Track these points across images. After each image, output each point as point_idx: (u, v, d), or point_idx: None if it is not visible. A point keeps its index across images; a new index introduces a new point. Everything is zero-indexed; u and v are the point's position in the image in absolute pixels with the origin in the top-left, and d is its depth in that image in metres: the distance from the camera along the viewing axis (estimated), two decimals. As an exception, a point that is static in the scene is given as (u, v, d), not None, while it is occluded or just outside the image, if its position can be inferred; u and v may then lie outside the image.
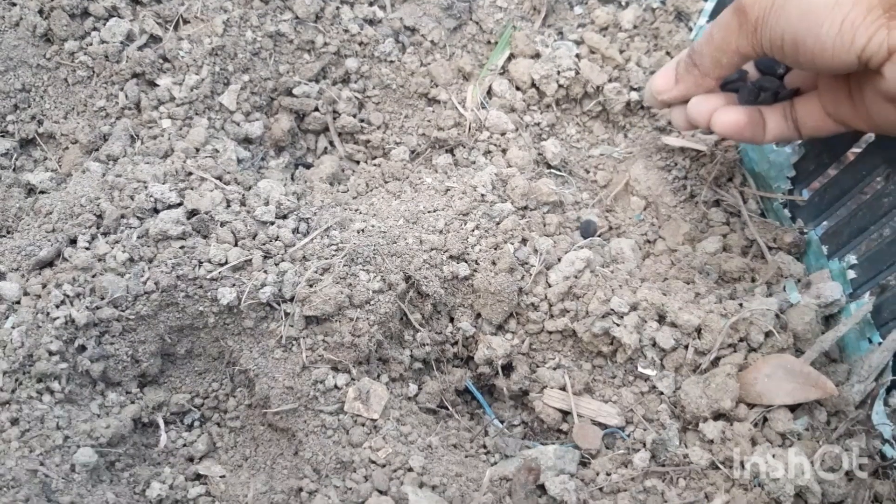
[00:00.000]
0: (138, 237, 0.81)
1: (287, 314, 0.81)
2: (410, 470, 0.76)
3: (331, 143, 1.05)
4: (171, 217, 0.82)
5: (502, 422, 0.90)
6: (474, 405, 0.92)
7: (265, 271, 0.82)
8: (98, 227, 0.83)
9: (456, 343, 0.90)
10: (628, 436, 0.85)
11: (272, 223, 0.85)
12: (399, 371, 0.86)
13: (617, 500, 0.79)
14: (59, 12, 0.96)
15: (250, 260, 0.82)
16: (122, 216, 0.83)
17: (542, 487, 0.80)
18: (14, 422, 0.72)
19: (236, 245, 0.83)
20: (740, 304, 0.87)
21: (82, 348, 0.78)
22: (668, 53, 1.08)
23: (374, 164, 1.04)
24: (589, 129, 1.09)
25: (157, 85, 0.96)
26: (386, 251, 0.85)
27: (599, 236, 0.99)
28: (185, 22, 0.99)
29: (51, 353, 0.75)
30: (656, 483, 0.79)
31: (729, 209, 1.00)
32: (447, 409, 0.89)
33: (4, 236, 0.85)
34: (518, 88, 1.06)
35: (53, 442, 0.72)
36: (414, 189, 0.98)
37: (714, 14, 1.07)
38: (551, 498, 0.78)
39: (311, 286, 0.81)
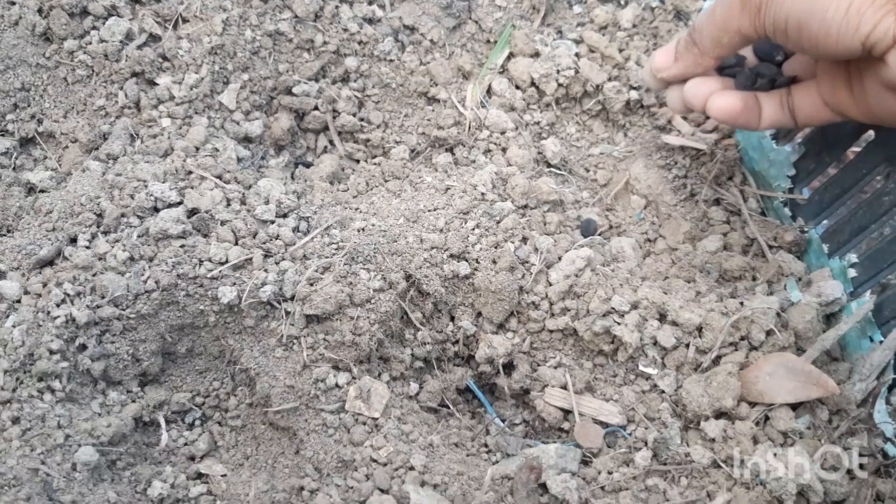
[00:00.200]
0: (139, 236, 0.81)
1: (288, 313, 0.81)
2: (412, 469, 0.76)
3: (331, 142, 1.05)
4: (171, 216, 0.82)
5: (503, 420, 0.90)
6: (475, 404, 0.92)
7: (266, 270, 0.82)
8: (98, 226, 0.83)
9: (457, 342, 0.90)
10: (630, 434, 0.85)
11: (272, 222, 0.85)
12: (400, 370, 0.86)
13: (619, 498, 0.79)
14: (59, 11, 0.96)
15: (251, 259, 0.82)
16: (123, 215, 0.83)
17: (543, 486, 0.80)
18: (15, 421, 0.72)
19: (237, 244, 0.83)
20: (741, 303, 0.87)
21: (83, 347, 0.78)
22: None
23: (374, 163, 1.03)
24: (589, 128, 1.09)
25: (157, 84, 0.96)
26: (386, 250, 0.85)
27: (600, 235, 0.99)
28: (185, 21, 0.99)
29: (51, 352, 0.75)
30: (658, 482, 0.79)
31: (729, 208, 1.00)
32: (448, 407, 0.89)
33: (4, 235, 0.85)
34: (518, 87, 1.06)
35: (55, 441, 0.72)
36: (414, 188, 0.98)
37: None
38: (553, 497, 0.78)
39: (311, 285, 0.81)
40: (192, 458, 0.83)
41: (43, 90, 0.97)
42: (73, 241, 0.82)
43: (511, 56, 1.07)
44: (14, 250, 0.81)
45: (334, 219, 0.87)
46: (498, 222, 0.91)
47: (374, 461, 0.77)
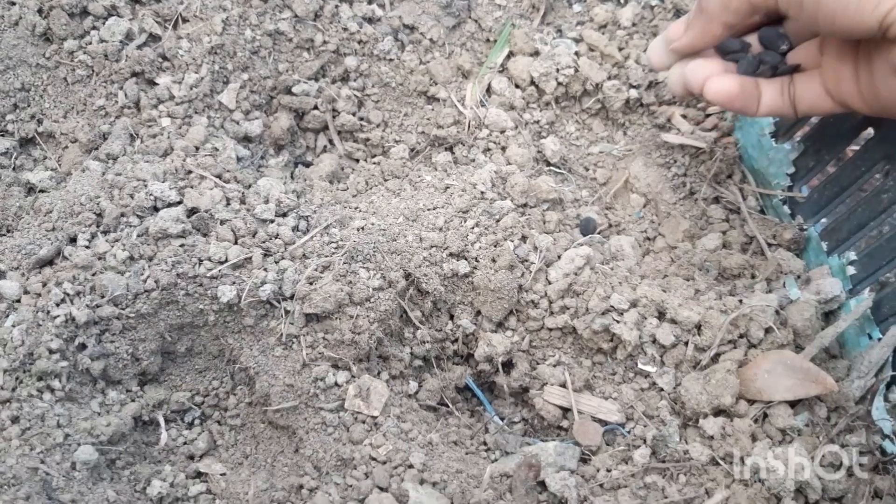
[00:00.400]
0: (138, 235, 0.81)
1: (287, 312, 0.82)
2: (411, 467, 0.76)
3: (330, 141, 1.05)
4: (170, 215, 0.82)
5: (502, 419, 0.90)
6: (474, 402, 0.92)
7: (265, 269, 0.82)
8: (98, 226, 0.83)
9: (456, 340, 0.90)
10: (629, 432, 0.85)
11: (272, 221, 0.85)
12: (399, 368, 0.86)
13: (617, 496, 0.79)
14: (59, 11, 0.96)
15: (250, 258, 0.82)
16: (122, 214, 0.83)
17: (542, 484, 0.80)
18: (14, 420, 0.72)
19: (236, 243, 0.83)
20: (740, 301, 0.87)
21: (83, 346, 0.78)
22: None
23: (374, 163, 1.04)
24: (588, 127, 1.09)
25: (157, 84, 0.96)
26: (386, 249, 0.85)
27: (599, 234, 0.99)
28: (185, 21, 0.99)
29: (51, 352, 0.75)
30: (657, 479, 0.79)
31: (728, 206, 1.01)
32: (447, 406, 0.89)
33: (4, 235, 0.85)
34: (517, 86, 1.06)
35: (54, 440, 0.73)
36: (413, 187, 0.98)
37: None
38: (552, 494, 0.78)
39: (311, 284, 0.81)
40: (192, 458, 0.83)
41: (43, 90, 0.97)
42: (73, 240, 0.82)
43: (511, 55, 1.07)
44: (14, 250, 0.81)
45: (334, 218, 0.87)
46: (497, 221, 0.91)
47: (374, 459, 0.77)
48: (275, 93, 1.02)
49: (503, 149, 1.01)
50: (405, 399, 0.85)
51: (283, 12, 1.02)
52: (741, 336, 0.85)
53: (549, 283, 0.89)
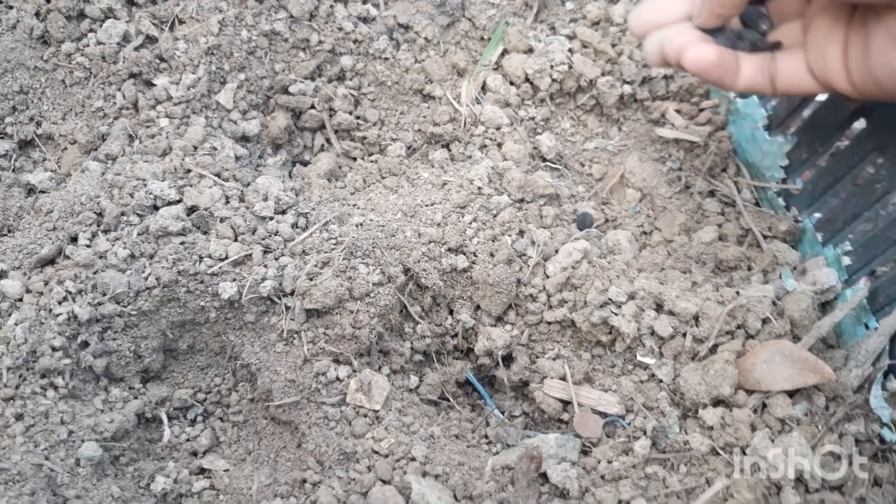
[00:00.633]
0: (139, 234, 0.82)
1: (288, 308, 0.82)
2: (413, 459, 0.76)
3: (327, 140, 1.06)
4: (171, 213, 0.82)
5: (503, 412, 0.91)
6: (475, 397, 0.93)
7: (265, 266, 0.82)
8: (98, 225, 0.83)
9: (456, 335, 0.91)
10: (629, 424, 0.85)
11: (271, 218, 0.86)
12: (400, 363, 0.86)
13: (618, 487, 0.79)
14: (56, 14, 0.96)
15: (250, 255, 0.83)
16: (123, 213, 0.83)
17: (544, 476, 0.80)
18: (18, 417, 0.73)
19: (236, 240, 0.83)
20: (737, 292, 0.88)
21: (85, 344, 0.78)
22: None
23: (371, 161, 1.04)
24: (583, 123, 1.09)
25: (154, 85, 0.97)
26: (385, 244, 0.86)
27: (596, 228, 1.00)
28: (181, 22, 1.00)
29: (54, 349, 0.75)
30: (657, 469, 0.80)
31: (724, 199, 1.01)
32: (448, 400, 0.89)
33: (5, 235, 0.86)
34: (512, 83, 1.07)
35: (58, 436, 0.73)
36: (411, 184, 0.98)
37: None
38: (553, 486, 0.79)
39: (311, 279, 0.82)
40: (195, 454, 0.83)
41: (41, 93, 0.97)
42: (74, 239, 0.83)
43: (505, 52, 1.08)
44: (15, 250, 0.81)
45: (332, 214, 0.88)
46: (495, 216, 0.92)
47: (376, 453, 0.77)
48: (272, 92, 1.02)
49: (499, 145, 1.02)
50: (406, 393, 0.85)
51: (279, 13, 1.02)
52: (739, 327, 0.86)
53: (547, 276, 0.90)
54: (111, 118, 0.96)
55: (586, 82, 1.06)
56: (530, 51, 1.07)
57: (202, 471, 0.82)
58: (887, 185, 0.85)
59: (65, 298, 0.78)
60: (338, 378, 0.81)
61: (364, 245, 0.85)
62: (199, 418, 0.86)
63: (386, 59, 1.06)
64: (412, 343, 0.88)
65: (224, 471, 0.82)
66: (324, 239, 0.85)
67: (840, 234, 0.91)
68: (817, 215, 0.95)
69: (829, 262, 0.91)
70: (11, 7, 0.97)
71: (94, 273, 0.79)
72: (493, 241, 0.90)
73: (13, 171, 0.94)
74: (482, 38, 1.10)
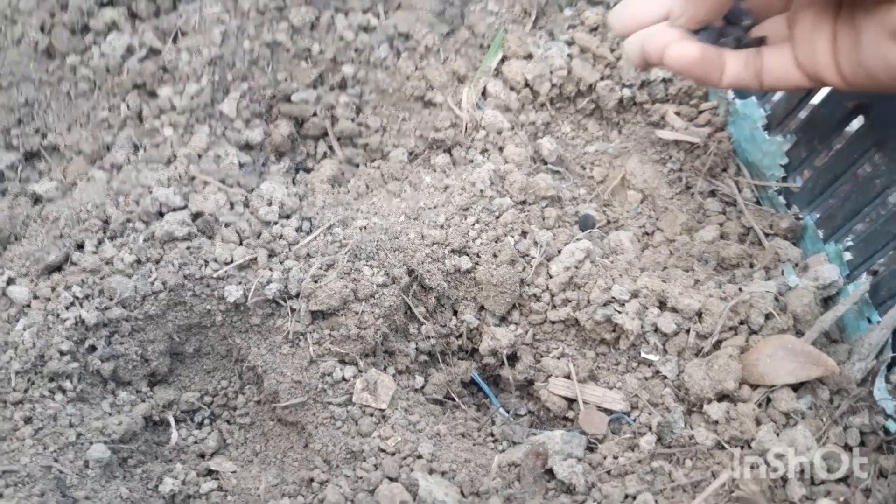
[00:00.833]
0: (144, 240, 0.83)
1: (293, 310, 0.83)
2: (420, 457, 0.77)
3: (330, 147, 1.07)
4: (176, 218, 0.83)
5: (508, 411, 0.91)
6: (480, 397, 0.93)
7: (270, 269, 0.83)
8: (105, 232, 0.84)
9: (460, 335, 0.91)
10: (634, 420, 0.86)
11: (276, 223, 0.87)
12: (405, 363, 0.87)
13: (625, 482, 0.79)
14: (60, 28, 0.98)
15: (255, 258, 0.83)
16: (128, 220, 0.84)
17: (550, 472, 0.80)
18: (27, 420, 0.73)
19: (241, 244, 0.84)
20: (740, 289, 0.89)
21: (92, 348, 0.79)
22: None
23: (374, 167, 1.05)
24: (583, 127, 1.10)
25: (158, 95, 0.98)
26: (388, 246, 0.86)
27: (598, 230, 1.00)
28: (184, 34, 1.01)
29: (62, 353, 0.76)
30: (663, 464, 0.80)
31: (725, 199, 1.02)
32: (454, 400, 0.90)
33: (13, 243, 0.86)
34: (512, 89, 1.08)
35: (67, 439, 0.74)
36: (414, 188, 0.99)
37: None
38: (560, 482, 0.79)
39: (315, 282, 0.82)
40: (202, 456, 0.84)
41: (47, 105, 0.99)
42: (81, 246, 0.84)
43: (504, 59, 1.09)
44: (22, 257, 0.82)
45: (336, 218, 0.89)
46: (497, 217, 0.93)
47: (383, 451, 0.78)
48: (274, 101, 1.04)
49: (500, 149, 1.02)
50: (412, 393, 0.86)
51: (281, 23, 1.04)
52: (742, 322, 0.86)
53: (551, 276, 0.91)
54: (116, 128, 0.98)
55: (585, 87, 1.07)
56: (530, 57, 1.08)
57: (210, 472, 0.83)
58: (886, 181, 0.86)
59: (72, 303, 0.79)
60: (344, 378, 0.81)
61: (368, 247, 0.85)
62: (207, 421, 0.87)
63: (387, 67, 1.07)
64: (417, 343, 0.89)
65: (231, 472, 0.82)
66: (328, 242, 0.86)
67: (841, 230, 0.91)
68: (818, 212, 0.96)
69: (830, 258, 0.92)
70: (16, 21, 0.98)
71: (101, 278, 0.80)
72: (495, 241, 0.91)
73: (19, 181, 0.95)
74: (482, 46, 1.11)
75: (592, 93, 1.08)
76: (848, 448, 0.80)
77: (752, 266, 0.95)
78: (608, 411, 0.87)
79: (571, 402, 0.89)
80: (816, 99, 0.95)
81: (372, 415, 0.80)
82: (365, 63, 1.07)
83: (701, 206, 1.02)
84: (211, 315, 0.83)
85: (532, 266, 0.90)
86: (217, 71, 0.99)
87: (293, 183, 1.01)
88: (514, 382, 0.90)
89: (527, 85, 1.07)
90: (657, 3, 0.77)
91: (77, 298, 0.79)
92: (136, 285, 0.80)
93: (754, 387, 0.83)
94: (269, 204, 0.88)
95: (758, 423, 0.81)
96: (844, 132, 0.93)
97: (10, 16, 0.99)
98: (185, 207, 0.86)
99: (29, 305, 0.79)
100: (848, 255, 0.90)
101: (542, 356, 0.91)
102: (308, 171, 1.05)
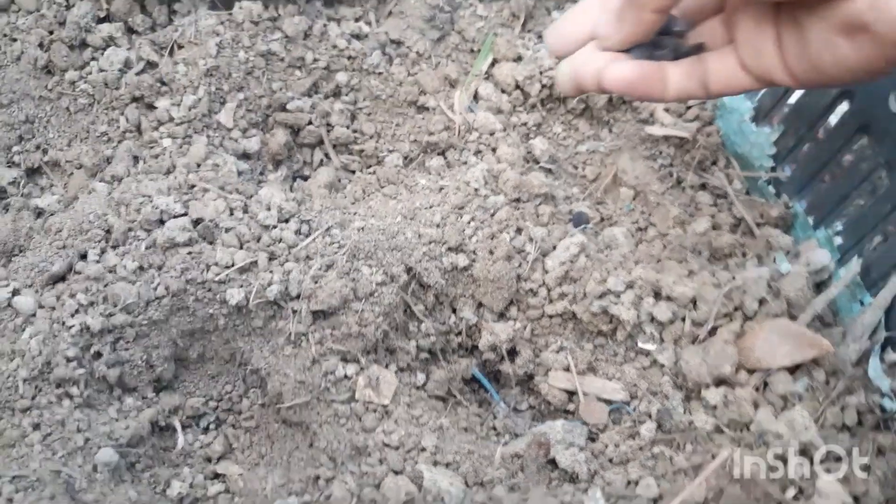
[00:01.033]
0: (147, 247, 0.84)
1: (294, 311, 0.84)
2: (423, 450, 0.78)
3: (326, 155, 1.08)
4: (177, 225, 0.84)
5: (510, 406, 0.92)
6: (482, 394, 0.94)
7: (271, 271, 0.84)
8: (107, 241, 0.85)
9: (460, 333, 0.92)
10: (634, 410, 0.87)
11: (275, 226, 0.88)
12: (406, 361, 0.88)
13: (627, 468, 0.81)
14: (59, 44, 1.00)
15: (256, 261, 0.85)
16: (130, 229, 0.86)
17: (553, 462, 0.81)
18: (35, 426, 0.74)
19: (241, 248, 0.86)
20: (733, 276, 0.90)
21: (98, 355, 0.80)
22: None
23: (370, 172, 1.07)
24: (574, 127, 1.12)
25: (156, 107, 1.00)
26: (386, 246, 0.88)
27: (592, 227, 1.02)
28: (180, 47, 1.03)
29: (68, 360, 0.77)
30: (664, 449, 0.81)
31: (715, 191, 1.04)
32: (455, 397, 0.91)
33: (17, 255, 0.88)
34: (503, 91, 1.09)
35: (75, 444, 0.75)
36: (409, 191, 1.01)
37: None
38: (563, 471, 0.80)
39: (315, 282, 0.84)
40: (209, 460, 0.85)
41: (47, 121, 1.00)
42: (84, 256, 0.85)
43: (495, 62, 1.11)
44: (27, 268, 0.84)
45: (334, 221, 0.90)
46: (492, 215, 0.94)
47: (387, 445, 0.79)
48: (270, 111, 1.05)
49: (493, 150, 1.04)
50: (414, 390, 0.87)
51: (274, 34, 1.06)
52: (736, 309, 0.88)
53: (546, 271, 0.92)
54: (115, 141, 0.99)
55: (575, 86, 1.08)
56: (519, 59, 1.10)
57: (217, 476, 0.83)
58: (872, 164, 0.88)
59: (77, 311, 0.80)
60: (346, 376, 0.83)
61: (366, 247, 0.87)
62: (212, 426, 0.88)
63: (380, 73, 1.09)
64: (417, 341, 0.90)
65: (238, 475, 0.83)
66: (327, 243, 0.87)
67: (831, 215, 0.93)
68: (807, 200, 0.97)
69: (821, 243, 0.93)
70: (15, 39, 1.00)
71: (105, 286, 0.81)
72: (491, 238, 0.92)
73: (22, 196, 0.96)
74: (472, 51, 1.13)
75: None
76: (846, 428, 0.82)
77: (744, 255, 0.97)
78: (608, 402, 0.88)
79: (571, 394, 0.90)
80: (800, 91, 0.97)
81: (375, 411, 0.81)
82: (358, 70, 1.09)
83: (692, 200, 1.03)
84: (214, 319, 0.84)
85: (528, 262, 0.92)
86: (213, 82, 1.01)
87: (291, 191, 1.03)
88: (515, 377, 0.91)
89: (517, 87, 1.09)
90: (593, 18, 0.72)
91: (82, 305, 0.80)
92: (139, 291, 0.81)
93: (751, 371, 0.85)
94: (268, 209, 0.89)
95: (755, 406, 0.82)
96: (830, 119, 0.95)
97: (9, 34, 1.00)
98: (185, 214, 0.87)
99: (34, 315, 0.80)
100: (838, 240, 0.92)
101: (540, 351, 0.92)
102: (305, 178, 1.07)
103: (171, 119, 0.99)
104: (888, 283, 0.84)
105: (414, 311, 0.89)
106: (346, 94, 1.08)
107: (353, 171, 1.09)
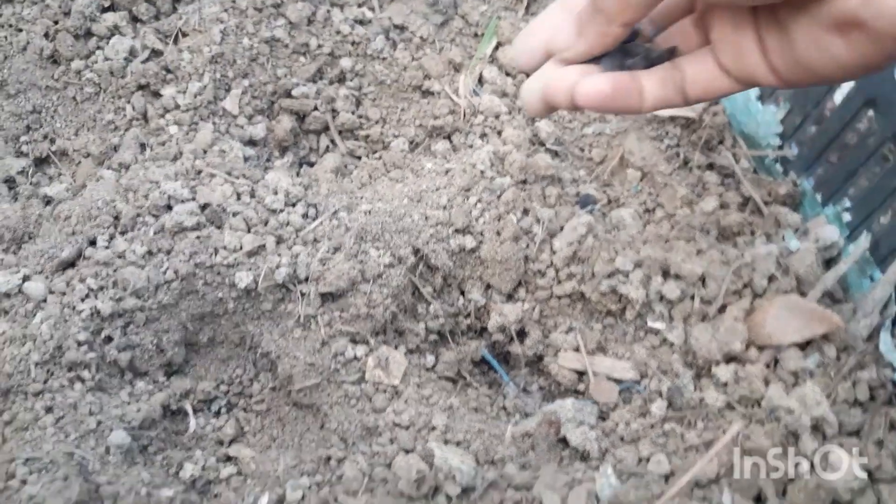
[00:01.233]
0: (155, 232, 0.84)
1: (303, 294, 0.84)
2: (434, 429, 0.78)
3: (332, 141, 1.08)
4: (185, 209, 0.85)
5: (520, 387, 0.92)
6: (491, 375, 0.94)
7: (279, 254, 0.85)
8: (116, 227, 0.86)
9: (469, 315, 0.92)
10: (644, 388, 0.87)
11: (282, 210, 0.88)
12: (416, 342, 0.88)
13: (638, 446, 0.80)
14: (64, 34, 1.00)
15: (264, 245, 0.85)
16: (138, 215, 0.86)
17: (564, 441, 0.81)
18: (48, 410, 0.75)
19: (249, 232, 0.86)
20: (742, 254, 0.90)
21: (109, 339, 0.80)
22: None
23: (376, 157, 1.07)
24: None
25: (162, 95, 1.00)
26: (393, 228, 0.88)
27: (599, 208, 1.02)
28: (184, 35, 1.04)
29: (79, 343, 0.78)
30: (675, 427, 0.81)
31: (723, 171, 1.03)
32: (465, 378, 0.91)
33: (27, 242, 0.88)
34: (508, 74, 1.09)
35: (87, 426, 0.75)
36: (415, 175, 1.01)
37: None
38: (574, 449, 0.80)
39: (323, 265, 0.84)
40: (221, 443, 0.85)
41: (54, 111, 1.01)
42: (93, 242, 0.85)
43: (499, 45, 1.11)
44: (37, 255, 0.84)
45: (341, 204, 0.90)
46: (499, 196, 0.94)
47: (397, 425, 0.79)
48: (275, 97, 1.05)
49: (499, 133, 1.04)
50: (423, 371, 0.87)
51: (278, 20, 1.06)
52: (745, 286, 0.88)
53: (554, 252, 0.92)
54: (122, 130, 1.00)
55: (580, 68, 1.08)
56: (524, 42, 1.10)
57: (229, 458, 0.84)
58: (879, 138, 0.87)
59: (87, 295, 0.80)
60: (356, 357, 0.83)
61: (373, 230, 0.87)
62: (223, 410, 0.88)
63: (384, 58, 1.09)
64: (426, 323, 0.90)
65: (251, 458, 0.83)
66: (334, 226, 0.87)
67: (839, 192, 0.93)
68: (815, 176, 0.97)
69: (829, 220, 0.93)
70: (21, 30, 1.00)
71: (115, 270, 0.82)
72: (498, 220, 0.92)
73: (31, 184, 0.97)
74: (476, 35, 1.13)
75: (587, 74, 1.09)
76: (858, 403, 0.82)
77: (752, 234, 0.96)
78: (618, 381, 0.88)
79: (581, 374, 0.90)
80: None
81: (385, 391, 0.81)
82: (362, 56, 1.09)
83: (700, 180, 1.03)
84: (223, 303, 0.85)
85: (535, 243, 0.92)
86: (218, 69, 1.01)
87: (297, 176, 1.03)
88: (524, 358, 0.91)
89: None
90: (566, 23, 0.66)
91: (92, 290, 0.80)
92: (148, 275, 0.81)
93: (761, 348, 0.84)
94: (275, 193, 0.90)
95: (766, 383, 0.82)
96: (836, 95, 0.94)
97: (14, 24, 1.01)
98: (192, 199, 0.87)
99: (45, 300, 0.80)
100: (847, 216, 0.91)
101: (549, 332, 0.92)
102: (311, 165, 1.07)
103: (177, 106, 0.99)
104: (898, 257, 0.84)
105: (422, 293, 0.89)
106: (351, 80, 1.09)
107: (360, 157, 1.09)
